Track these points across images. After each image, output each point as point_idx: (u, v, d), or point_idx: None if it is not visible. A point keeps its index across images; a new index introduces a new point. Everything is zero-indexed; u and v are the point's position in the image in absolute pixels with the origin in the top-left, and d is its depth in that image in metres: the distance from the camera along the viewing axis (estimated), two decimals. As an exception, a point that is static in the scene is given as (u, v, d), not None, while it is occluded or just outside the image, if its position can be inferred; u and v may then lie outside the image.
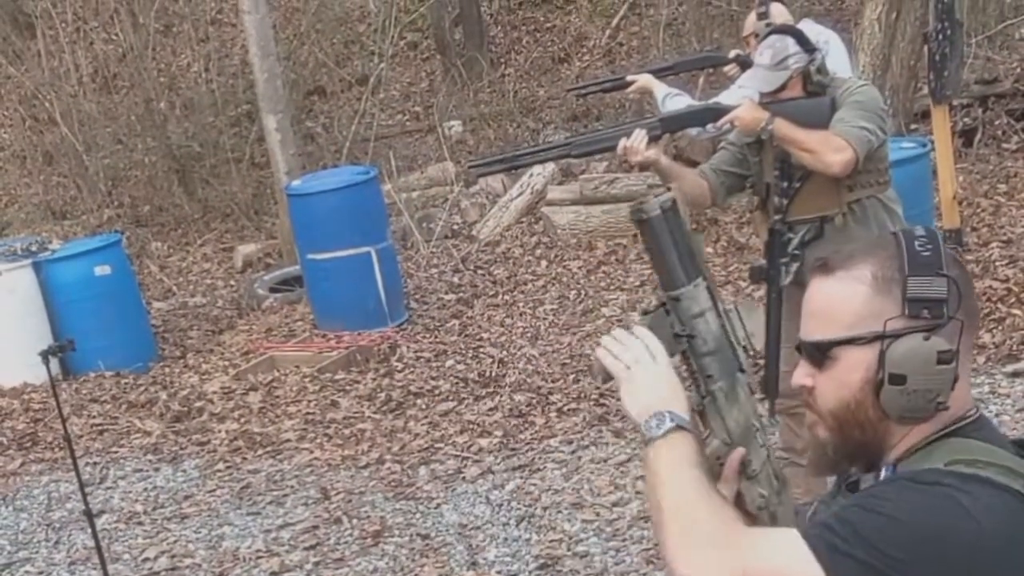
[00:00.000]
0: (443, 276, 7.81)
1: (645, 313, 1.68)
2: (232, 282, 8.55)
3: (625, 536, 4.23)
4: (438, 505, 4.74)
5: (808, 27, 4.28)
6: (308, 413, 5.87)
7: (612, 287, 7.09)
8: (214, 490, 5.23)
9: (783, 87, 3.58)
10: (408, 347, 6.55)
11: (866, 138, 3.43)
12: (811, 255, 3.45)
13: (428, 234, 8.47)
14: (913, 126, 7.91)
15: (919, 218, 5.22)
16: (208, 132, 10.56)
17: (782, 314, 3.55)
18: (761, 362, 3.53)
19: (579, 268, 7.54)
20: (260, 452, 5.54)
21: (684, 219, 1.67)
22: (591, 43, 11.85)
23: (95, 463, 5.67)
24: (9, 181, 11.25)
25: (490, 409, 5.59)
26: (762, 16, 4.71)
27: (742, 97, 3.86)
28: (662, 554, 1.45)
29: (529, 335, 6.52)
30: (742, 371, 1.63)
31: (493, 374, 5.99)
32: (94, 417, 6.21)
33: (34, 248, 7.08)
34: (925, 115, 6.68)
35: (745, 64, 4.86)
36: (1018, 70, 8.50)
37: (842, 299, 1.45)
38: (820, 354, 1.46)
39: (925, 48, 6.60)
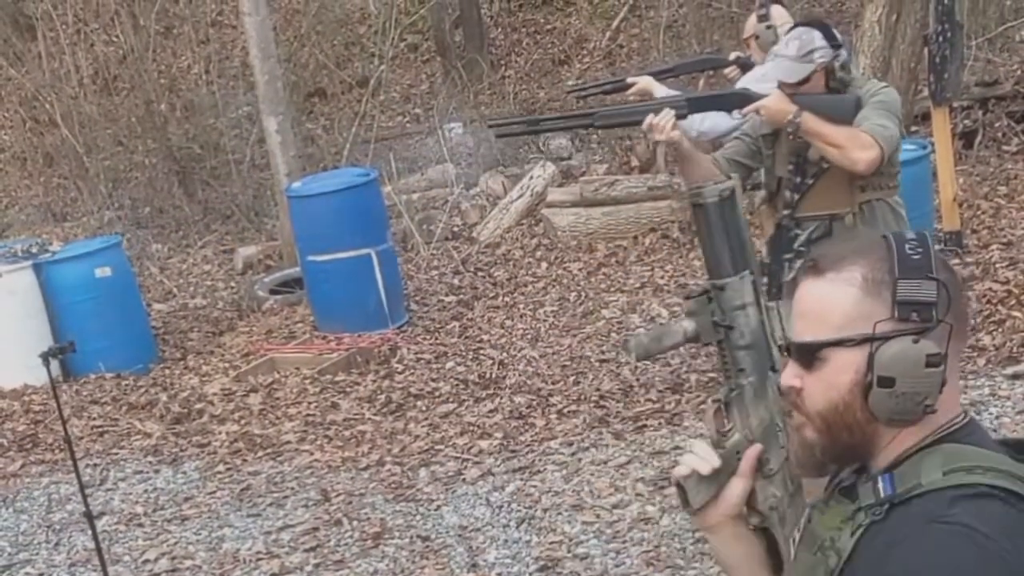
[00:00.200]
0: (443, 278, 7.81)
1: (688, 297, 1.68)
2: (232, 284, 8.55)
3: (625, 538, 4.23)
4: (438, 507, 4.74)
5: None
6: (308, 415, 5.87)
7: (612, 289, 7.09)
8: (214, 492, 5.23)
9: (806, 80, 3.56)
10: (408, 349, 6.55)
11: (892, 137, 3.44)
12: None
13: (428, 236, 8.47)
14: (913, 128, 7.91)
15: (919, 220, 5.23)
16: (208, 134, 10.57)
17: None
18: None
19: (579, 270, 7.54)
20: (260, 454, 5.54)
21: (741, 210, 1.67)
22: (591, 45, 11.85)
23: (95, 465, 5.67)
24: (10, 183, 11.26)
25: (490, 411, 5.59)
26: (762, 18, 4.73)
27: (759, 79, 3.84)
28: None
29: (529, 337, 6.52)
30: (774, 370, 1.63)
31: (493, 376, 5.99)
32: (94, 419, 6.21)
33: (34, 250, 7.08)
34: (925, 117, 6.69)
35: (745, 66, 4.87)
36: (1018, 72, 8.50)
37: (832, 301, 1.45)
38: (809, 355, 1.46)
39: (925, 50, 6.60)
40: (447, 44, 12.02)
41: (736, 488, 1.64)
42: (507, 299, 7.26)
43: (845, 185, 3.54)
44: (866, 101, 3.51)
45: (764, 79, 3.83)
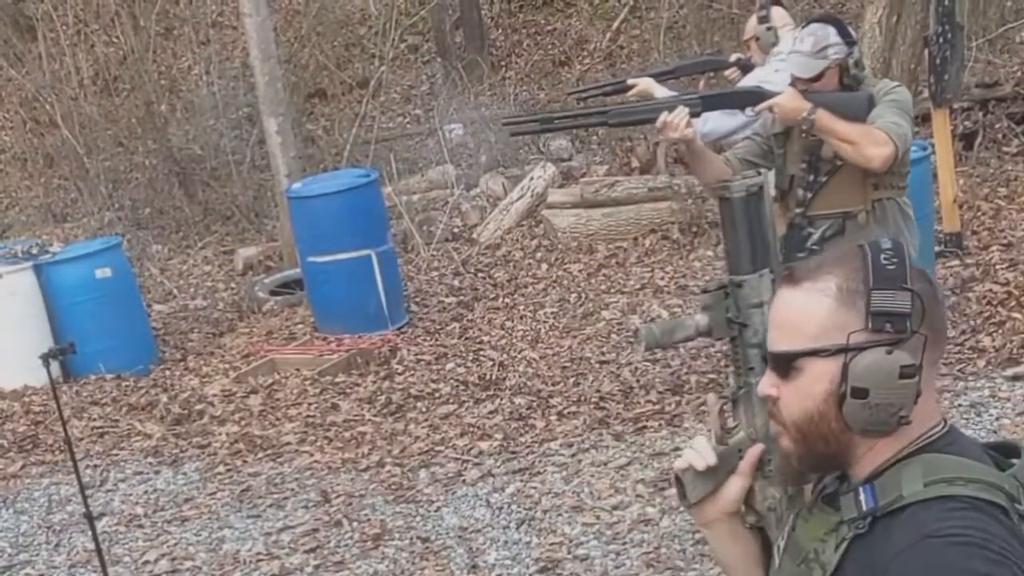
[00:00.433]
0: (443, 279, 7.81)
1: (705, 291, 1.68)
2: (233, 285, 8.55)
3: (625, 539, 4.23)
4: (438, 508, 4.74)
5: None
6: (308, 416, 5.87)
7: (612, 290, 7.09)
8: (214, 493, 5.23)
9: (820, 76, 3.56)
10: (408, 350, 6.54)
11: (905, 136, 3.44)
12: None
13: (428, 237, 8.47)
14: (914, 129, 7.91)
15: (921, 221, 5.20)
16: (209, 135, 10.56)
17: None
18: None
19: (579, 271, 7.54)
20: (260, 455, 5.53)
21: (767, 208, 1.67)
22: (592, 46, 11.85)
23: (95, 466, 5.67)
24: (10, 184, 11.26)
25: (490, 412, 5.58)
26: (763, 20, 4.72)
27: (772, 73, 3.82)
28: None
29: (529, 338, 6.52)
30: None
31: (493, 377, 5.99)
32: (94, 420, 6.21)
33: (35, 251, 7.08)
34: (925, 118, 6.68)
35: (746, 68, 4.86)
36: (1019, 73, 8.50)
37: (807, 311, 1.44)
38: (785, 365, 1.46)
39: (926, 51, 6.60)
40: (447, 45, 12.02)
41: (734, 486, 1.64)
42: (507, 300, 7.26)
43: (859, 183, 3.53)
44: (879, 99, 3.51)
45: (778, 73, 3.82)
